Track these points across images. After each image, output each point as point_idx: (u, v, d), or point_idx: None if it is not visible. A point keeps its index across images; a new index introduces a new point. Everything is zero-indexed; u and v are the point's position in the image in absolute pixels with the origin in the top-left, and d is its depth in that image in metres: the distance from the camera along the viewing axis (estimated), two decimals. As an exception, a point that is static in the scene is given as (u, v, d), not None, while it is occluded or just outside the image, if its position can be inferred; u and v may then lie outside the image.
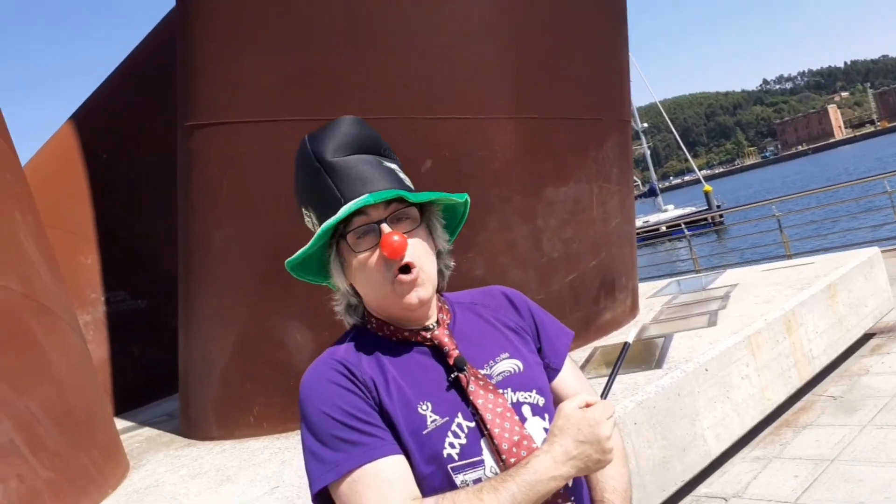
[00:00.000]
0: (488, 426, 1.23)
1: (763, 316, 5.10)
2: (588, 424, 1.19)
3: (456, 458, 1.22)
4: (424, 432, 1.23)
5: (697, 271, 12.29)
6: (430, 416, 1.23)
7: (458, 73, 5.41)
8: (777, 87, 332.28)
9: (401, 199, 1.28)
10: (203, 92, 5.77)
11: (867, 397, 4.95)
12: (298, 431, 5.36)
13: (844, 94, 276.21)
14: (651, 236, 22.78)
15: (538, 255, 5.72)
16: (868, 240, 10.69)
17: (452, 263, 1.43)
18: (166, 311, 8.76)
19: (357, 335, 1.37)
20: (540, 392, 1.35)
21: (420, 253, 1.29)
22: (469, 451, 1.23)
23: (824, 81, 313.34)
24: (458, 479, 1.22)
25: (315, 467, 1.22)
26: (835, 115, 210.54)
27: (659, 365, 4.47)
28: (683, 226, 16.66)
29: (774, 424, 4.90)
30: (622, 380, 4.33)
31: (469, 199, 1.37)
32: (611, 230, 6.33)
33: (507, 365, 1.34)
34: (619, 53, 6.67)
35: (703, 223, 28.37)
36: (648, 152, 54.30)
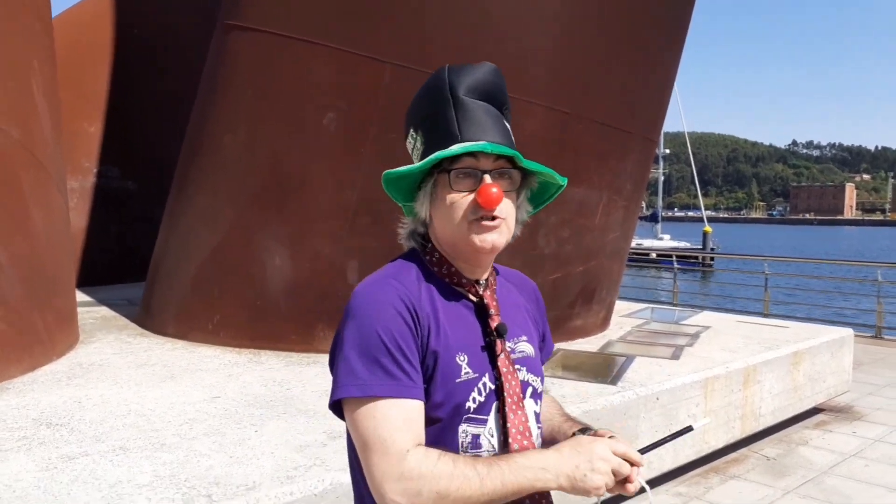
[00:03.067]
0: (505, 393, 1.34)
1: (726, 364, 5.17)
2: (599, 456, 1.24)
3: (472, 411, 1.32)
4: (457, 381, 1.30)
5: (675, 305, 12.39)
6: (465, 368, 1.32)
7: (502, 46, 5.36)
8: (804, 151, 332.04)
9: (510, 159, 1.34)
10: (249, -5, 5.69)
11: (799, 466, 5.06)
12: (251, 350, 5.40)
13: (866, 176, 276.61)
14: (640, 259, 22.88)
15: (530, 246, 5.74)
16: (845, 320, 10.80)
17: (517, 234, 1.46)
18: (153, 200, 8.74)
19: (414, 264, 1.40)
20: (542, 380, 1.46)
21: (508, 211, 1.36)
22: (482, 408, 1.32)
23: (850, 158, 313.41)
24: (461, 427, 1.31)
25: (345, 375, 1.25)
26: (850, 194, 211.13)
27: (614, 382, 4.53)
28: (674, 258, 16.71)
29: (705, 467, 5.00)
30: (575, 385, 4.39)
31: (565, 184, 1.43)
32: (606, 242, 6.36)
33: (525, 346, 1.44)
34: (667, 75, 6.64)
35: (693, 260, 28.49)
36: (662, 178, 54.16)
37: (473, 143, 1.30)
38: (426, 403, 1.27)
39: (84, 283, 8.50)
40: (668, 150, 57.30)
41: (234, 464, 3.02)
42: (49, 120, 5.52)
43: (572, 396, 4.12)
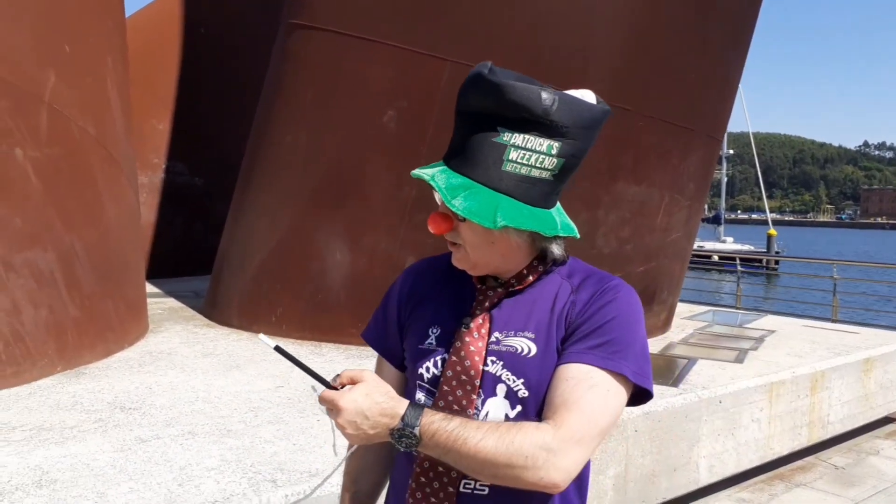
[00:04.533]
0: (443, 372, 1.33)
1: (792, 368, 5.03)
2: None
3: (425, 380, 1.37)
4: (419, 346, 1.39)
5: (738, 308, 12.07)
6: (430, 339, 1.39)
7: (564, 44, 5.33)
8: (876, 152, 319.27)
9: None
10: (314, -6, 5.80)
11: (870, 476, 4.88)
12: (313, 342, 5.52)
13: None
14: (702, 262, 22.39)
15: (588, 245, 5.69)
16: (920, 328, 10.32)
17: (555, 247, 1.35)
18: (219, 195, 8.98)
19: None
20: (528, 384, 1.29)
21: (466, 238, 1.31)
22: (436, 382, 1.35)
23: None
24: (418, 394, 1.37)
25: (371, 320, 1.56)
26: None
27: (675, 384, 4.45)
28: (738, 260, 16.30)
29: (769, 474, 4.87)
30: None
31: (560, 229, 1.29)
32: (668, 242, 6.25)
33: (521, 342, 1.32)
34: (732, 72, 6.49)
35: (757, 264, 27.72)
36: (725, 179, 52.85)
37: (425, 171, 1.29)
38: (405, 360, 1.44)
39: (152, 275, 8.78)
40: (731, 151, 55.90)
41: (297, 451, 3.08)
42: (122, 117, 5.73)
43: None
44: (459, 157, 1.27)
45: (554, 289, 1.37)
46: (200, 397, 3.89)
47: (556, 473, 1.18)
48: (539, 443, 1.17)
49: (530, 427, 1.19)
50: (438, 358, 1.35)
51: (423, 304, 1.44)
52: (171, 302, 7.38)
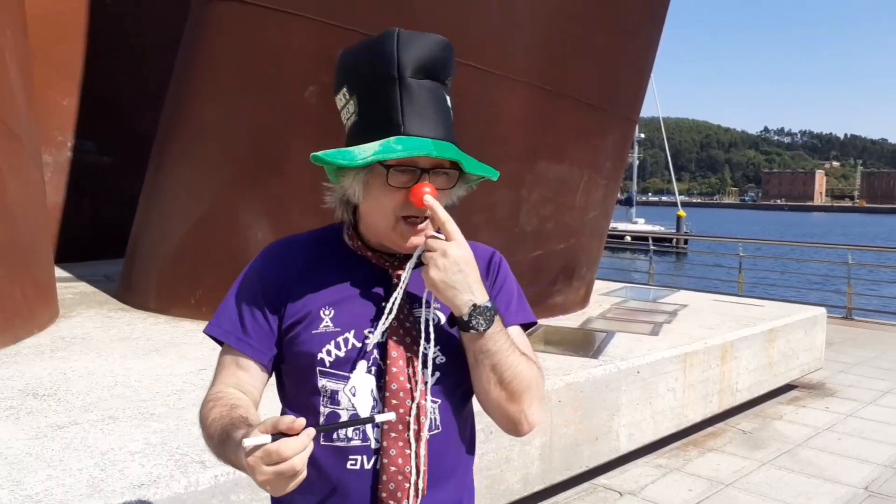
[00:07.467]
0: (388, 365, 1.30)
1: (704, 339, 5.28)
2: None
3: (327, 364, 1.30)
4: (314, 332, 1.32)
5: (650, 285, 12.54)
6: (325, 322, 1.32)
7: (487, 23, 5.36)
8: (776, 137, 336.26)
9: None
10: (231, -34, 5.61)
11: (774, 439, 5.19)
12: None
13: (836, 163, 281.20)
14: (616, 242, 23.08)
15: (512, 223, 5.78)
16: (817, 302, 11.02)
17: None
18: (130, 174, 8.61)
19: (330, 233, 1.44)
20: (444, 350, 1.34)
21: (441, 204, 1.29)
22: (341, 364, 1.30)
23: (820, 146, 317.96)
24: (321, 381, 1.31)
25: (217, 313, 1.41)
26: (820, 181, 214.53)
27: (595, 356, 4.61)
28: (651, 240, 16.92)
29: (684, 441, 5.12)
30: (557, 359, 4.46)
31: (496, 178, 1.37)
32: (587, 220, 6.42)
33: (433, 313, 1.35)
34: (647, 55, 6.68)
35: (667, 243, 28.87)
36: (637, 163, 54.59)
37: (418, 142, 1.22)
38: (291, 350, 1.34)
39: (60, 259, 8.35)
40: (643, 135, 57.77)
41: (224, 432, 3.02)
42: (22, 91, 5.41)
43: (555, 370, 4.18)
44: (428, 122, 1.25)
45: None
46: (119, 382, 3.75)
47: (541, 411, 1.39)
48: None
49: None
50: (340, 339, 1.30)
51: (300, 288, 1.35)
52: (83, 286, 7.06)
